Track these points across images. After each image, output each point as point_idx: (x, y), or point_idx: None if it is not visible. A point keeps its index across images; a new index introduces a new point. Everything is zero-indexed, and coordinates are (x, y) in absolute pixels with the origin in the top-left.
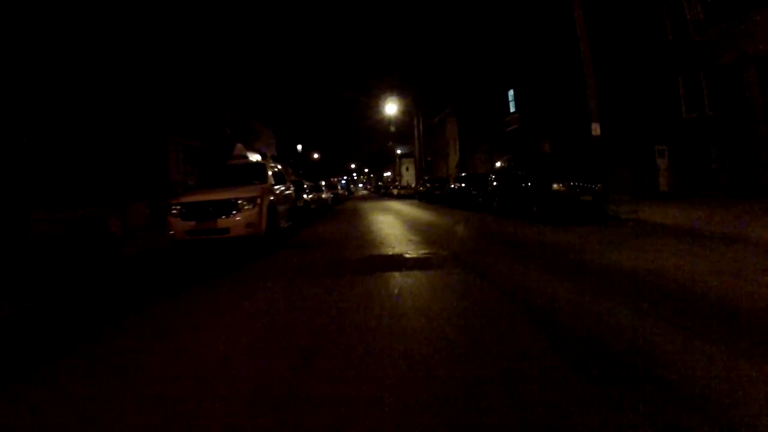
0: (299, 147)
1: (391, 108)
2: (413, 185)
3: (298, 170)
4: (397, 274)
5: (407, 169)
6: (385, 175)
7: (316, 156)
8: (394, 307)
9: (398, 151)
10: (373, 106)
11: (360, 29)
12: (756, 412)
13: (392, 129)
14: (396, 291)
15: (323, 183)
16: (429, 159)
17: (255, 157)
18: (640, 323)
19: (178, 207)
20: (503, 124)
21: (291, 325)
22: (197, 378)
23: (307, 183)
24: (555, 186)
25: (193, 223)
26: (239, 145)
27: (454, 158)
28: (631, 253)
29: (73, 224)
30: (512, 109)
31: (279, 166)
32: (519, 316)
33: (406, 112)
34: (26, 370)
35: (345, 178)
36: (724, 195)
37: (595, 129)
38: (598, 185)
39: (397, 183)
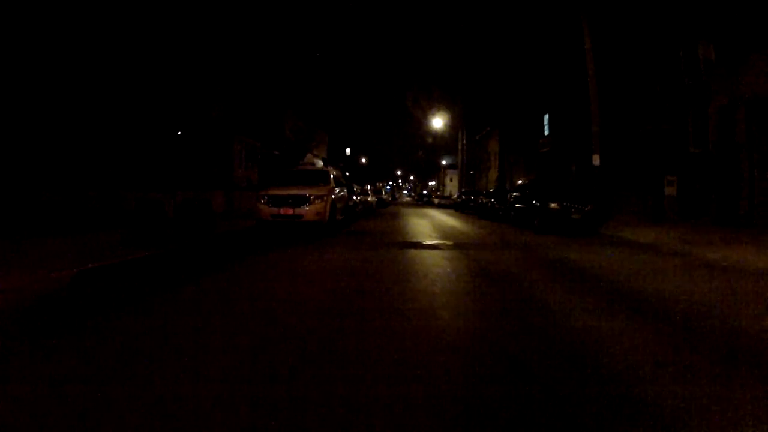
0: (348, 150)
1: (437, 122)
2: (454, 196)
3: (345, 173)
4: (413, 250)
5: (451, 180)
6: (430, 183)
7: (363, 160)
8: (408, 262)
9: (443, 162)
10: (422, 117)
11: (413, 47)
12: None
13: (429, 140)
14: (410, 257)
15: (369, 187)
16: (471, 172)
17: (319, 163)
18: (548, 282)
19: (266, 197)
20: (539, 145)
21: (348, 274)
22: (292, 292)
23: (355, 187)
24: (551, 205)
25: (276, 209)
26: (309, 155)
27: (494, 173)
28: (583, 254)
29: (191, 203)
30: (546, 132)
31: (335, 172)
32: (478, 273)
33: (452, 127)
34: (174, 288)
35: (390, 183)
36: (713, 223)
37: (595, 160)
38: (589, 206)
39: (439, 192)
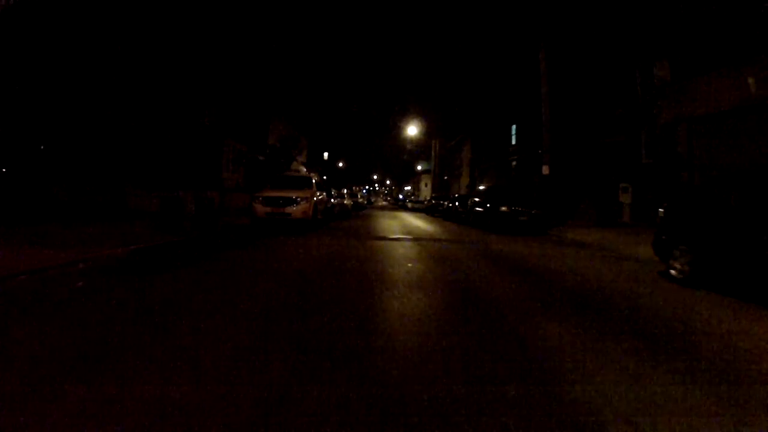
0: (326, 155)
1: (412, 130)
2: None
3: (323, 177)
4: (380, 241)
5: (426, 184)
6: (406, 188)
7: (341, 165)
8: (374, 248)
9: (419, 167)
10: (398, 125)
11: (393, 60)
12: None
13: (408, 146)
14: (376, 245)
15: (345, 191)
16: (445, 178)
17: (303, 170)
18: (478, 261)
19: (261, 198)
20: (507, 153)
21: (328, 251)
22: (291, 261)
23: (333, 191)
24: (502, 208)
25: (269, 208)
26: (295, 163)
27: (465, 179)
28: (518, 248)
29: (202, 200)
30: (513, 142)
31: (317, 178)
32: (425, 256)
33: (428, 134)
34: (208, 258)
35: (367, 187)
36: (656, 226)
37: (545, 170)
38: (535, 210)
39: (413, 197)
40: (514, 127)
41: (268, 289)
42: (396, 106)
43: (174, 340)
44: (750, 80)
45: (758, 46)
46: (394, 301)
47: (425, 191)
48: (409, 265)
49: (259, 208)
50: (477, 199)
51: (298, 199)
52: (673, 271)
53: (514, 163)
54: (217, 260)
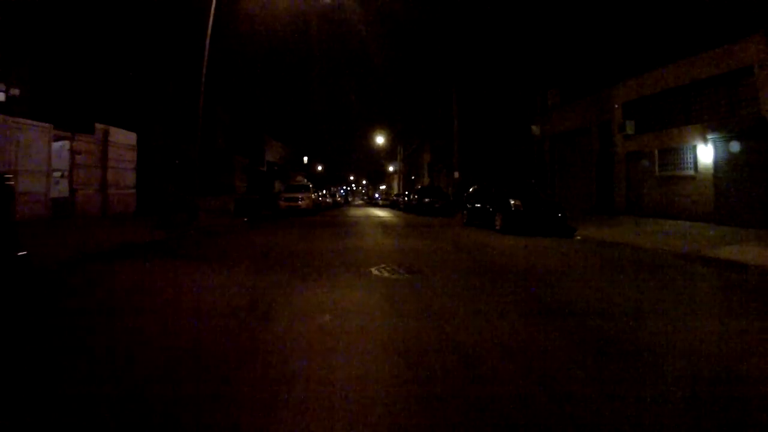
0: (306, 159)
1: (379, 139)
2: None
3: (310, 182)
4: (352, 219)
5: (397, 184)
6: (381, 188)
7: (320, 168)
8: (348, 221)
9: (390, 168)
10: (367, 134)
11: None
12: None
13: (378, 151)
14: (350, 219)
15: (325, 192)
16: (412, 177)
17: (304, 180)
18: (404, 227)
19: (282, 198)
20: (448, 158)
21: (322, 221)
22: (305, 225)
23: (318, 192)
24: (425, 199)
25: (287, 203)
26: (299, 177)
27: (426, 179)
28: (432, 220)
29: (243, 200)
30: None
31: (311, 185)
32: (375, 224)
33: (392, 140)
34: (269, 222)
35: (344, 188)
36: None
37: (456, 175)
38: (444, 201)
39: (386, 195)
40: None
41: (301, 229)
42: (363, 118)
43: (298, 240)
44: (534, 127)
45: (585, 91)
46: (356, 235)
47: (396, 189)
48: (366, 224)
49: (282, 203)
50: (416, 195)
51: (303, 197)
52: (464, 220)
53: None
54: (278, 222)
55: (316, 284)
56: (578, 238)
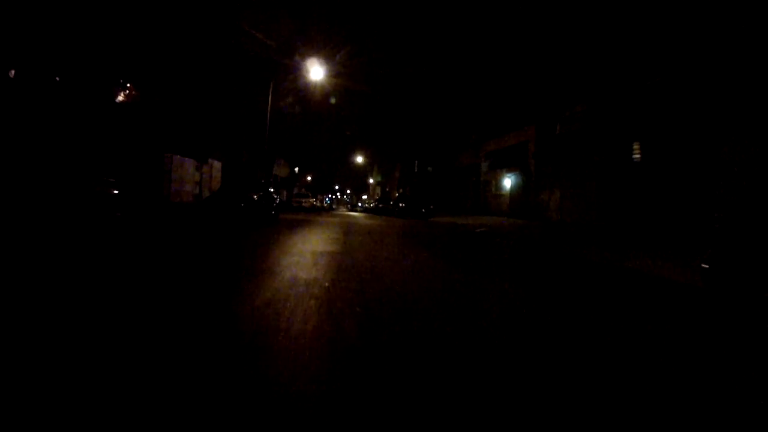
0: (297, 169)
1: (359, 157)
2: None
3: (292, 187)
4: (339, 218)
5: (377, 194)
6: (363, 197)
7: (309, 178)
8: (335, 219)
9: (371, 180)
10: (353, 151)
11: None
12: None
13: (365, 168)
14: (336, 219)
15: (314, 199)
16: (387, 189)
17: (308, 194)
18: (377, 225)
19: (294, 201)
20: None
21: (320, 216)
22: (311, 220)
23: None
24: (401, 204)
25: (297, 203)
26: (303, 190)
27: (395, 192)
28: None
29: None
30: (416, 169)
31: (310, 193)
32: (342, 224)
33: (370, 159)
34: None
35: (330, 196)
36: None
37: (408, 190)
38: (408, 204)
39: (367, 203)
40: (416, 162)
41: (313, 215)
42: (351, 143)
43: (310, 232)
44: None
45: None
46: (341, 217)
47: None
48: (349, 220)
49: (296, 203)
50: (393, 202)
51: (305, 201)
52: (395, 214)
53: (415, 180)
54: (299, 213)
55: (331, 225)
56: (430, 221)
